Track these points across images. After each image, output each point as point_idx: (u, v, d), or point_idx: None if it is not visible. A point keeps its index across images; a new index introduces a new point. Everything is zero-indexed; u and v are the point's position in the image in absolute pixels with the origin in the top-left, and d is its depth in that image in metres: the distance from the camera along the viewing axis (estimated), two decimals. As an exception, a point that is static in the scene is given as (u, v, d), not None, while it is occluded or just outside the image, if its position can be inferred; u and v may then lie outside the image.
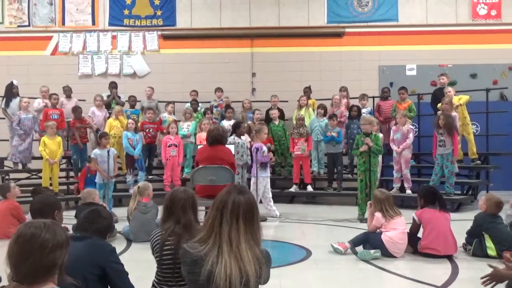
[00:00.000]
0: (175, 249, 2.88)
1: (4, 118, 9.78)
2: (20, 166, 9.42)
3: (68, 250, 1.93)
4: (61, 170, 9.63)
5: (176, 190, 3.20)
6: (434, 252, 5.02)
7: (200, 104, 10.76)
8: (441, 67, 11.18)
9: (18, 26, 11.89)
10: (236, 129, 7.94)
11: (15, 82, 9.92)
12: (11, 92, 9.76)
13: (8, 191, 6.56)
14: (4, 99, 9.81)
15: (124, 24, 11.92)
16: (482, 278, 2.93)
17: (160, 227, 3.13)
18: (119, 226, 6.46)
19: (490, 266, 2.99)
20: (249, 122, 9.77)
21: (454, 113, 8.68)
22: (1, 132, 10.18)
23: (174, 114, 10.54)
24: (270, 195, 7.91)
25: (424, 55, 11.43)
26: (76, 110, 9.78)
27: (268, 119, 10.36)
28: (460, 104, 8.88)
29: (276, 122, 10.00)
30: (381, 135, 8.58)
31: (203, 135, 8.57)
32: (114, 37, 11.89)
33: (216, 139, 6.16)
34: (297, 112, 10.16)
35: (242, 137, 8.00)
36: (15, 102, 9.59)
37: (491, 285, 2.91)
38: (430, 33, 11.51)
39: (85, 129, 9.81)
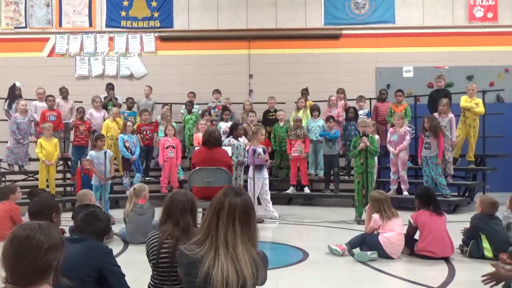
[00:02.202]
0: (172, 251, 2.87)
1: (6, 120, 9.76)
2: (16, 168, 9.39)
3: (63, 252, 1.92)
4: (58, 172, 9.61)
5: (176, 193, 3.19)
6: (431, 255, 5.02)
7: (196, 106, 10.75)
8: (438, 69, 11.21)
9: (15, 28, 11.85)
10: (233, 131, 7.91)
11: (17, 84, 9.91)
12: (14, 93, 9.74)
13: (12, 192, 6.61)
14: (7, 100, 9.79)
15: (121, 25, 11.91)
16: (483, 276, 2.95)
17: (158, 229, 3.12)
18: (116, 228, 6.46)
19: (493, 265, 3.00)
20: (245, 125, 9.75)
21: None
22: (1, 134, 10.12)
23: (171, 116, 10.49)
24: (269, 196, 7.90)
25: (421, 57, 11.45)
26: (81, 111, 9.79)
27: (265, 121, 10.35)
28: (474, 107, 8.91)
29: (281, 124, 9.95)
30: (377, 137, 8.62)
31: (200, 135, 8.54)
32: (111, 39, 11.87)
33: (217, 139, 6.19)
34: (295, 113, 10.16)
35: (239, 138, 7.98)
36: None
37: (490, 284, 2.92)
38: (427, 35, 11.54)
39: (86, 131, 9.76)
